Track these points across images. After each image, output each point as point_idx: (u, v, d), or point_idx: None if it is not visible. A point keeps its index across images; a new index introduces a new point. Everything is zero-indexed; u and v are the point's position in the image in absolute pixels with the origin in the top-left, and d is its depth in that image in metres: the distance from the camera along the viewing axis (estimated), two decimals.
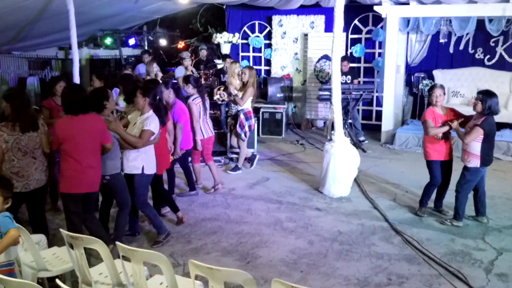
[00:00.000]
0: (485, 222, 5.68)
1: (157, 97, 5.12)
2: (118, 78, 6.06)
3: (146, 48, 12.89)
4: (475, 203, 5.78)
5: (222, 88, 9.13)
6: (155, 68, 9.11)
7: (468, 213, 5.80)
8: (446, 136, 5.77)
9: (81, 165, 4.32)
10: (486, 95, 5.37)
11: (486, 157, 5.47)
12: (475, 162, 5.46)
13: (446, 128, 5.69)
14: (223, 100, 9.16)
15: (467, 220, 5.77)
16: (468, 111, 9.55)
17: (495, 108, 5.33)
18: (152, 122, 4.86)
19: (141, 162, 4.92)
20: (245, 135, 7.75)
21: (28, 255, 3.83)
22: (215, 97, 9.18)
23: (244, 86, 7.73)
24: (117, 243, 3.34)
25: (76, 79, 8.68)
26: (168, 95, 6.06)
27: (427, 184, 6.01)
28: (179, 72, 9.67)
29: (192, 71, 9.42)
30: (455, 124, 5.59)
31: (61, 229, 3.56)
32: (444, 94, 5.90)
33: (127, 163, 4.92)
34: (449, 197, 5.97)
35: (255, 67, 12.03)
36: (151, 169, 5.03)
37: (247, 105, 7.73)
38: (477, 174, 5.55)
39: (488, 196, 6.62)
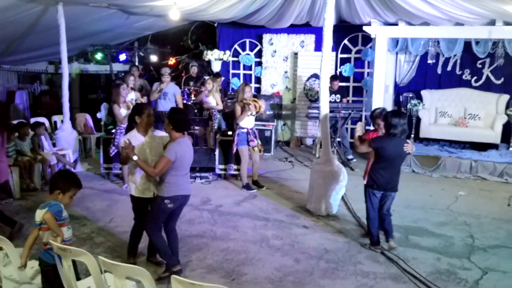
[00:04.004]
0: (394, 247, 5.40)
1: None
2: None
3: (136, 64, 12.92)
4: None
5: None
6: (131, 81, 8.64)
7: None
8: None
9: None
10: (389, 113, 5.33)
11: (374, 178, 5.30)
12: (366, 179, 5.48)
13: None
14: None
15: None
16: (455, 131, 9.84)
17: (396, 129, 5.11)
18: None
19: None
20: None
21: (9, 269, 3.77)
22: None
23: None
24: (99, 257, 3.30)
25: (65, 94, 8.70)
26: None
27: None
28: (154, 86, 9.31)
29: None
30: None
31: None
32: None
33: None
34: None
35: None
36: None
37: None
38: (369, 194, 5.39)
39: (474, 215, 6.71)
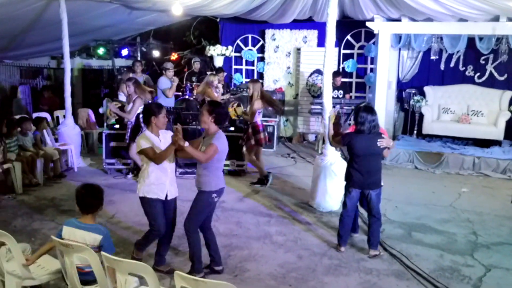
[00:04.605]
0: (376, 254, 5.21)
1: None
2: None
3: (139, 59, 12.87)
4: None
5: (236, 104, 9.00)
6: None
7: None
8: None
9: None
10: (358, 109, 5.08)
11: (349, 175, 5.17)
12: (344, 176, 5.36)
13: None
14: (239, 117, 8.95)
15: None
16: (458, 128, 9.82)
17: (363, 125, 4.96)
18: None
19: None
20: (250, 147, 7.74)
21: (11, 264, 3.77)
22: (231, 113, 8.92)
23: (251, 100, 7.69)
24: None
25: (68, 89, 8.69)
26: None
27: None
28: (163, 83, 9.33)
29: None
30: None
31: (52, 236, 3.53)
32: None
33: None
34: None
35: (247, 80, 12.12)
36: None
37: (256, 118, 7.70)
38: (347, 192, 5.26)
39: (477, 212, 6.70)
